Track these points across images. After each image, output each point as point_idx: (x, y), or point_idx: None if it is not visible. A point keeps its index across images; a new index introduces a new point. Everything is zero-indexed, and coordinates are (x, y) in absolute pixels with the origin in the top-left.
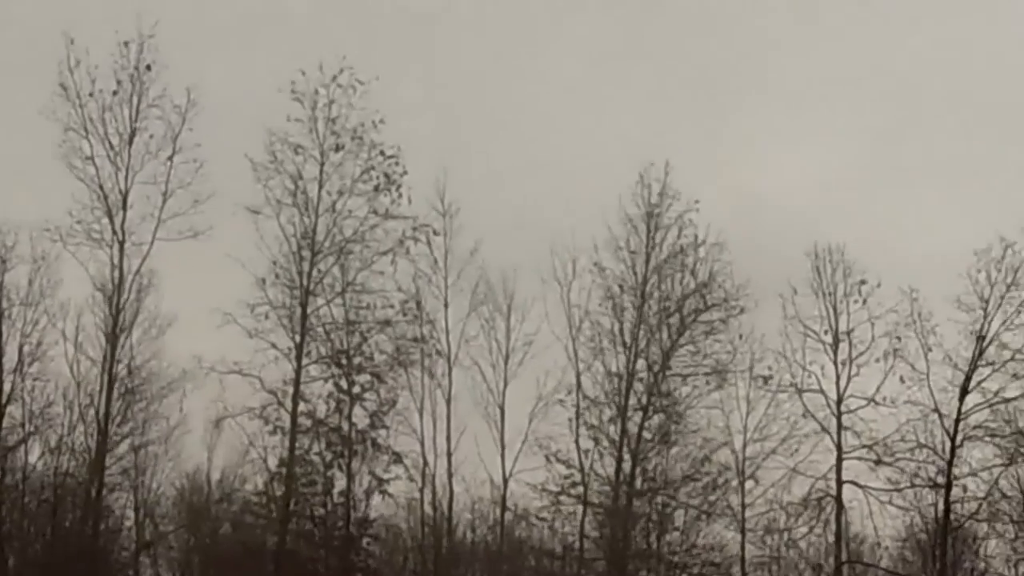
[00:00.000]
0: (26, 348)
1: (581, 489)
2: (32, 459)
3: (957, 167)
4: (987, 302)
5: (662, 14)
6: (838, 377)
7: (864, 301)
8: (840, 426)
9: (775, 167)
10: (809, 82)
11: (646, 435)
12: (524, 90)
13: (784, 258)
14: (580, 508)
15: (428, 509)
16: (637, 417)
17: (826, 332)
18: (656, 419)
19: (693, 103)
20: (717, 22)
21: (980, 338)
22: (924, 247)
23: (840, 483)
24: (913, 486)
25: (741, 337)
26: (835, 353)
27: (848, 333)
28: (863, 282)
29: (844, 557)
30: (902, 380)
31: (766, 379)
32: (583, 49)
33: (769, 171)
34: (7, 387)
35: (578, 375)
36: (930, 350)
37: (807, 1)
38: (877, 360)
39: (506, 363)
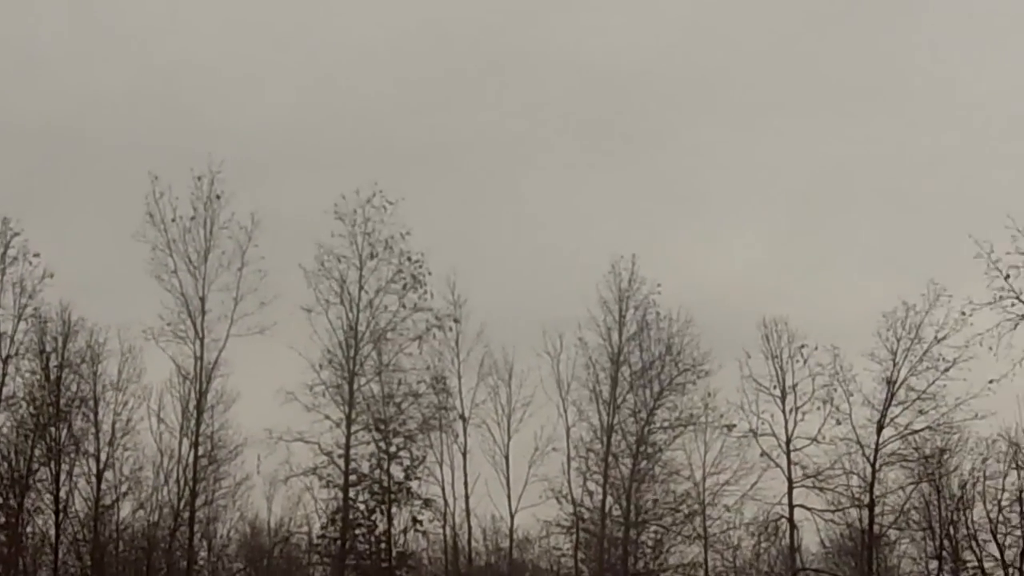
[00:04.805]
0: (117, 424)
1: (574, 519)
2: (123, 514)
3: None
4: (895, 354)
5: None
6: (786, 422)
7: (805, 361)
8: (790, 462)
9: (719, 257)
10: (740, 186)
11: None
12: (515, 201)
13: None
14: (573, 536)
15: (451, 542)
16: (623, 460)
17: (775, 387)
18: (644, 464)
19: (652, 208)
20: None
21: (891, 383)
22: (840, 314)
23: (792, 507)
24: (843, 508)
25: (709, 395)
26: (783, 403)
27: (793, 387)
28: (803, 346)
29: (799, 565)
30: (838, 422)
31: (730, 427)
32: (563, 167)
33: (714, 260)
34: (103, 456)
35: (568, 428)
36: (852, 395)
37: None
38: (818, 408)
39: (509, 421)
